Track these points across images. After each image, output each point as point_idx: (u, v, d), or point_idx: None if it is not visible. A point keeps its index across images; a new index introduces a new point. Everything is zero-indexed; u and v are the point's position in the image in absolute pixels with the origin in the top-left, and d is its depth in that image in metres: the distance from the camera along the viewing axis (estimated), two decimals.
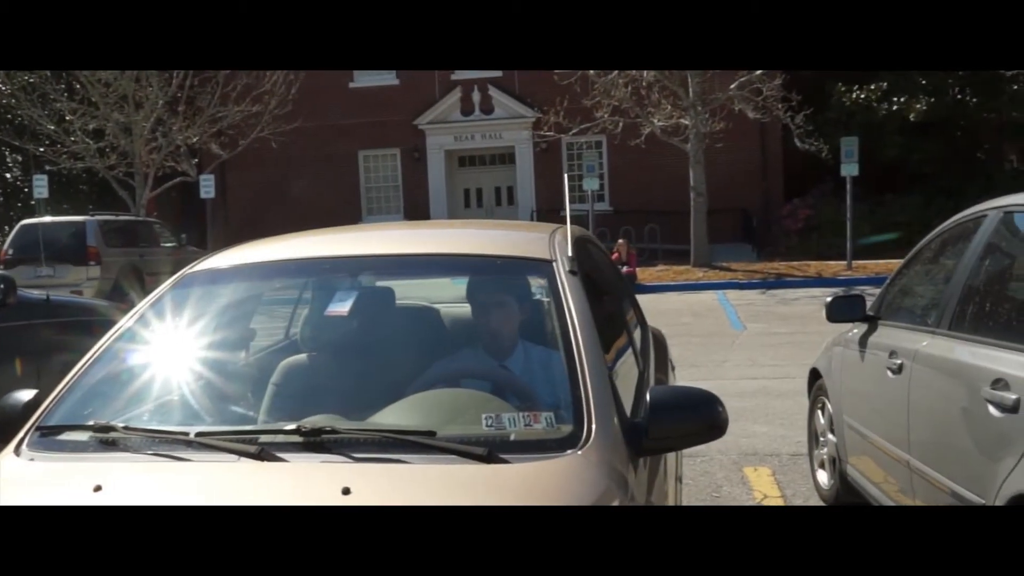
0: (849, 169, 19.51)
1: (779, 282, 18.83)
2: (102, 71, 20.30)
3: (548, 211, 26.15)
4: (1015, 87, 22.53)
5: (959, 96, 23.78)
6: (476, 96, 27.42)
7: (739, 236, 25.77)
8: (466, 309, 3.35)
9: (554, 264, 2.78)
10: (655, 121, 20.55)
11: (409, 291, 3.60)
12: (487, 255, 2.95)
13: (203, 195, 21.03)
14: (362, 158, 28.58)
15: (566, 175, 3.98)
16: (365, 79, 28.17)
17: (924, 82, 23.65)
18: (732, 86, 20.26)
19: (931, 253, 4.30)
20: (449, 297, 3.68)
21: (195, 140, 21.33)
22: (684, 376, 10.05)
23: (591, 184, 20.79)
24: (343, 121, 27.68)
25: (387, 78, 28.07)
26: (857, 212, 21.29)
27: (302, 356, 3.01)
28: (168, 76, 21.40)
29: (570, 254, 2.81)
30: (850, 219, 19.88)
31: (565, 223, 3.04)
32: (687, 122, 20.44)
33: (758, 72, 20.33)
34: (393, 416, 2.43)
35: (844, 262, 19.98)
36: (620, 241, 20.00)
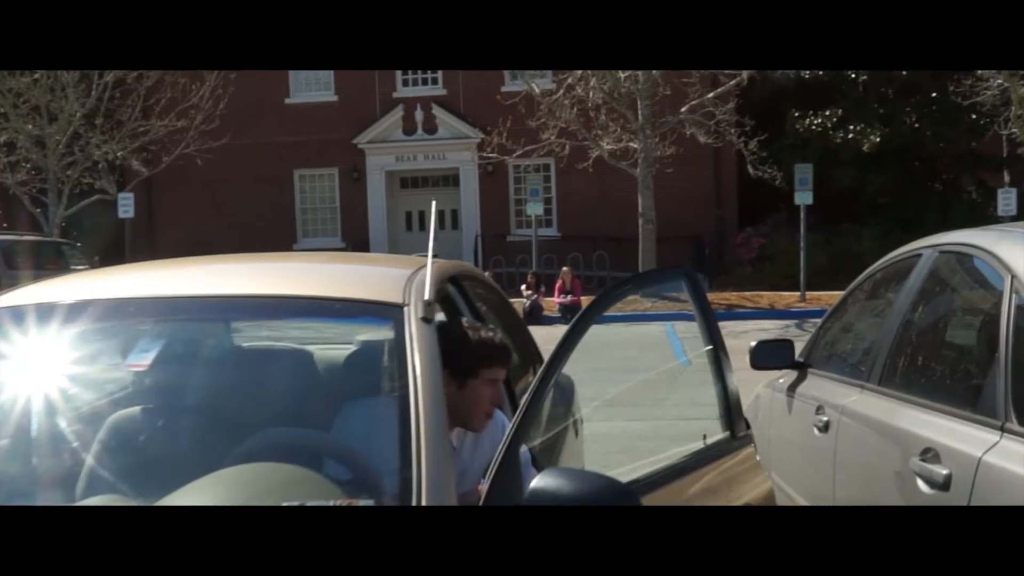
0: (803, 197, 19.44)
1: (730, 314, 18.64)
2: (11, 80, 19.66)
3: (494, 236, 26.03)
4: (972, 116, 22.64)
5: (916, 125, 23.83)
6: (419, 115, 27.10)
7: (691, 265, 25.59)
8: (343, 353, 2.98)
9: (405, 309, 2.42)
10: (603, 144, 20.33)
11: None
12: (325, 297, 2.57)
13: (121, 214, 20.39)
14: (298, 177, 28.08)
15: (434, 202, 3.60)
16: (302, 95, 27.77)
17: (881, 110, 23.71)
18: (683, 109, 20.11)
19: (863, 295, 3.99)
20: (333, 337, 3.32)
21: (114, 156, 20.69)
22: (620, 416, 9.71)
23: (534, 208, 20.53)
24: (278, 139, 27.15)
25: (325, 94, 27.69)
26: (811, 241, 21.35)
27: (127, 412, 2.59)
28: (87, 87, 20.78)
29: (427, 297, 2.44)
30: (804, 248, 19.79)
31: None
32: (636, 146, 20.25)
33: (710, 95, 20.25)
34: (189, 498, 2.04)
35: (798, 293, 19.85)
36: (564, 269, 19.73)
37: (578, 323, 2.25)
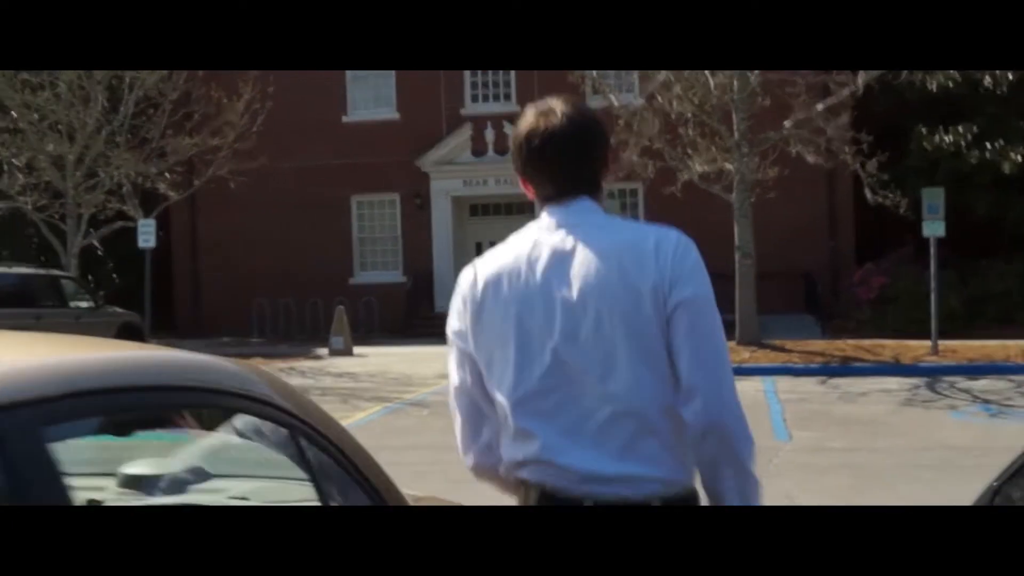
0: (933, 228, 16.89)
1: (845, 368, 16.16)
2: (30, 95, 18.41)
3: None
4: None
5: None
6: (489, 134, 25.56)
7: (799, 306, 23.17)
8: None
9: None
10: (694, 165, 18.09)
11: None
12: None
13: (141, 244, 18.87)
14: (355, 204, 26.80)
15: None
16: (360, 112, 26.55)
17: None
18: (787, 123, 17.79)
19: None
20: None
21: (136, 176, 19.21)
22: None
23: None
24: (335, 161, 25.96)
25: (385, 111, 26.39)
26: (943, 281, 18.91)
27: None
28: (112, 101, 19.43)
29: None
30: (935, 289, 17.19)
31: None
32: (731, 166, 17.96)
33: (819, 107, 17.91)
34: None
35: (928, 342, 17.23)
36: None
37: None
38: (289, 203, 25.74)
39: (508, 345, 2.09)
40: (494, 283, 2.13)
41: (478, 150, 25.71)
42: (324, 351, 20.54)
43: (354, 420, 11.91)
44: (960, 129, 21.32)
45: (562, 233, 2.12)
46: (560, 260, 2.09)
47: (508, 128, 25.19)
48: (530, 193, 2.23)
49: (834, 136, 18.01)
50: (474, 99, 26.05)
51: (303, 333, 24.40)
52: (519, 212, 25.97)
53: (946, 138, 21.38)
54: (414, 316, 24.47)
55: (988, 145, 21.06)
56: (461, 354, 2.18)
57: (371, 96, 26.36)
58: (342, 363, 19.05)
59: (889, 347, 17.95)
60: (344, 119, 26.36)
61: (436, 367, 17.18)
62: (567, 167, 2.14)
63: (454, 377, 2.20)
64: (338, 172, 25.82)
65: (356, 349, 20.45)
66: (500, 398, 2.11)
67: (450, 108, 25.71)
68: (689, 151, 18.42)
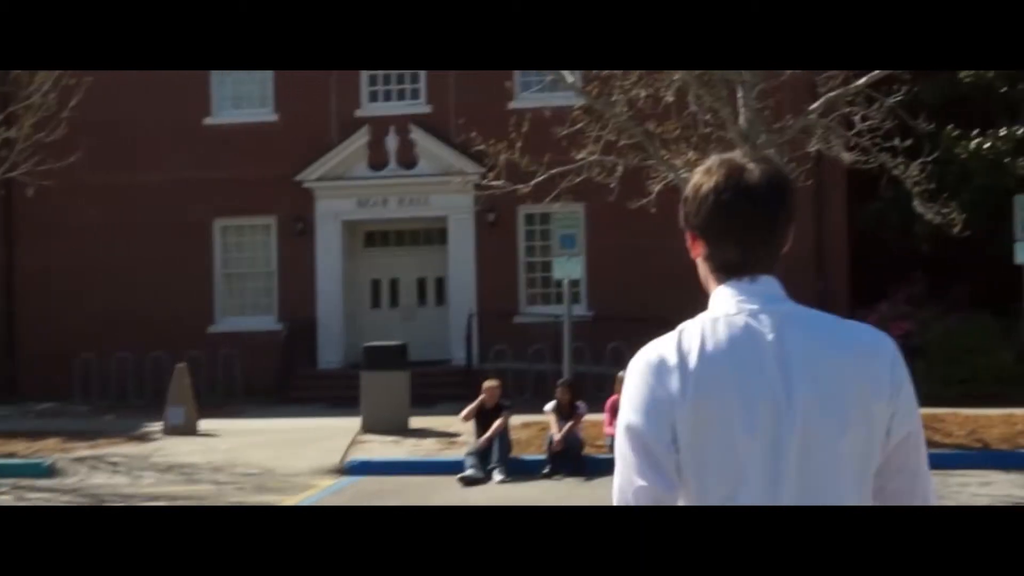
0: None
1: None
2: None
3: (496, 315, 19.54)
4: None
5: None
6: (392, 141, 20.93)
7: None
8: None
9: None
10: (677, 164, 13.14)
11: None
12: None
13: None
14: (218, 230, 21.80)
15: None
16: (227, 112, 21.72)
17: None
18: (814, 106, 12.97)
19: None
20: None
21: None
22: None
23: (568, 269, 13.20)
24: (193, 174, 20.97)
25: (260, 112, 21.64)
26: (979, 327, 15.18)
27: None
28: None
29: None
30: None
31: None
32: None
33: (844, 90, 13.23)
34: None
35: (997, 411, 12.60)
36: (620, 375, 12.20)
37: None
38: (133, 228, 20.90)
39: (730, 452, 1.95)
40: (711, 376, 1.96)
41: (377, 162, 21.10)
42: (159, 426, 14.94)
43: None
44: (1002, 132, 17.15)
45: (772, 321, 1.98)
46: (782, 358, 1.96)
47: (416, 134, 20.66)
48: (696, 252, 2.09)
49: (863, 129, 13.35)
50: (373, 97, 21.39)
51: (142, 399, 18.88)
52: (427, 242, 21.94)
53: (984, 143, 17.20)
54: (290, 375, 19.86)
55: None
56: (650, 456, 1.98)
57: (242, 92, 21.67)
58: (179, 447, 13.63)
59: (951, 420, 13.05)
60: (206, 121, 21.52)
61: (315, 454, 12.59)
62: (758, 230, 2.01)
63: (636, 482, 1.98)
64: (197, 189, 20.94)
65: (205, 424, 15.01)
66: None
67: (342, 108, 21.06)
68: (668, 147, 13.54)
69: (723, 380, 1.92)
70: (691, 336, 1.96)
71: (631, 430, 1.97)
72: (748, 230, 1.98)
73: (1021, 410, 13.20)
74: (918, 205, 13.47)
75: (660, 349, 1.99)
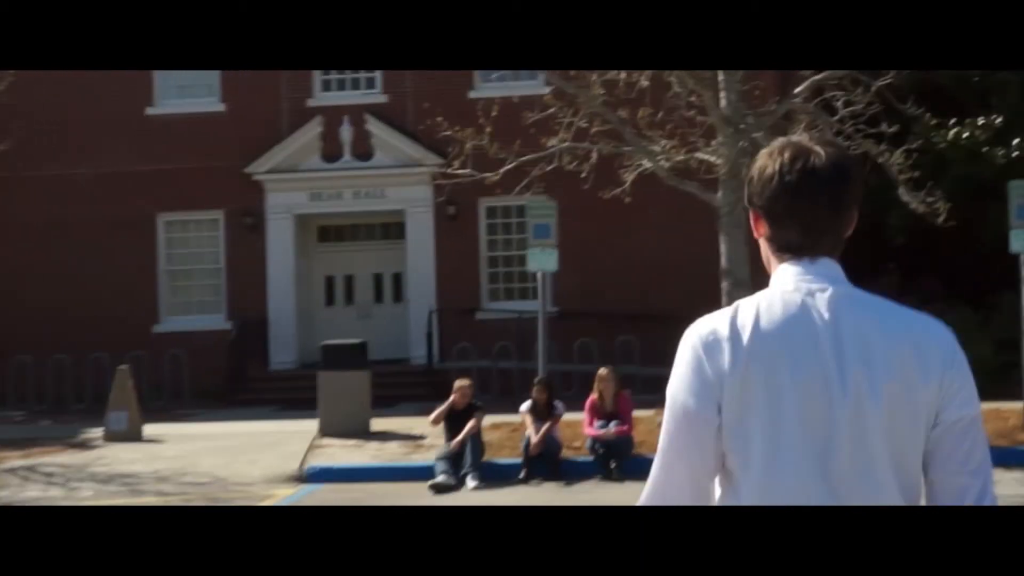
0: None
1: None
2: None
3: (457, 312, 19.10)
4: None
5: None
6: (346, 131, 20.24)
7: None
8: None
9: None
10: (655, 151, 12.53)
11: None
12: None
13: None
14: (163, 224, 21.14)
15: None
16: (171, 102, 21.07)
17: None
18: (798, 89, 12.46)
19: None
20: None
21: None
22: None
23: (542, 261, 12.51)
24: (135, 166, 20.30)
25: (206, 101, 21.00)
26: (960, 318, 14.55)
27: None
28: None
29: None
30: None
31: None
32: (709, 156, 12.52)
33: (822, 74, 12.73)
34: None
35: (1002, 404, 12.56)
36: (602, 372, 11.48)
37: None
38: (71, 223, 20.12)
39: (777, 428, 1.95)
40: (764, 351, 1.96)
41: (331, 153, 20.48)
42: (100, 432, 14.06)
43: None
44: (980, 122, 16.85)
45: (829, 301, 1.97)
46: (837, 338, 1.96)
47: (371, 124, 20.08)
48: (759, 233, 2.09)
49: (846, 116, 12.84)
50: (326, 86, 20.93)
51: (82, 403, 18.06)
52: (384, 236, 21.42)
53: (963, 132, 16.91)
54: (241, 377, 19.27)
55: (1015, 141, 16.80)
56: (694, 434, 1.99)
57: (187, 81, 20.92)
58: (121, 454, 12.81)
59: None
60: (149, 111, 20.87)
61: (271, 461, 11.97)
62: (822, 212, 2.01)
63: (677, 468, 2.00)
64: (140, 181, 20.27)
65: (149, 429, 14.18)
66: (746, 487, 1.95)
67: (294, 97, 20.42)
68: (647, 134, 12.95)
69: (776, 356, 1.92)
70: (747, 311, 1.97)
71: (677, 406, 1.98)
72: (811, 212, 1.98)
73: (1008, 404, 12.92)
74: (903, 193, 13.02)
75: (714, 323, 1.99)
